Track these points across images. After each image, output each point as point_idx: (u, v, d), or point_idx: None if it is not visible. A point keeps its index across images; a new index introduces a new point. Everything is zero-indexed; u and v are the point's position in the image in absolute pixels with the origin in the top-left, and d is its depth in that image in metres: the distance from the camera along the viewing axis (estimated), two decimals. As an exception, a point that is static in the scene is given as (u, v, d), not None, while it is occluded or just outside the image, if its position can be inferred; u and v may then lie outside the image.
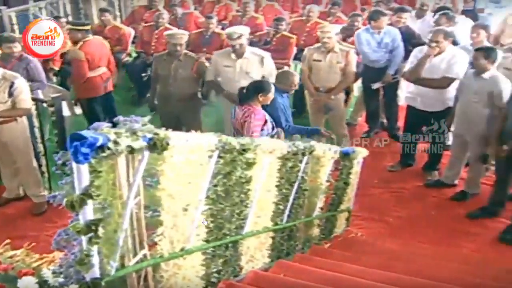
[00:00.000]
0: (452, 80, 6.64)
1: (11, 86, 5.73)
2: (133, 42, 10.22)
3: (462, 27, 8.25)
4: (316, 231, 5.61)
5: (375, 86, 7.93)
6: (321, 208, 5.58)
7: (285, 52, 9.32)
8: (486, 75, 6.15)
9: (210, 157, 3.31)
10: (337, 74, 7.45)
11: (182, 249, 3.30)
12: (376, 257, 5.22)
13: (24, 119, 6.20)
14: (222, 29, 9.89)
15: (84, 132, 2.30)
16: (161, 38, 9.20)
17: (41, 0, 10.92)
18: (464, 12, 9.51)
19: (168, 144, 2.77)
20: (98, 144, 2.32)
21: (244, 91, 5.53)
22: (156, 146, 2.69)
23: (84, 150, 2.26)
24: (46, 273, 2.75)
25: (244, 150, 3.62)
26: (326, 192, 5.52)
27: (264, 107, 5.60)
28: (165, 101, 7.44)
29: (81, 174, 2.34)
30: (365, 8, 11.45)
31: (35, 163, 6.47)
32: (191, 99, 7.38)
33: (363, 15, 9.78)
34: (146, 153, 2.69)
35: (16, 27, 9.43)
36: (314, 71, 7.56)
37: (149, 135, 2.65)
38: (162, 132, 2.78)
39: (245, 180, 3.78)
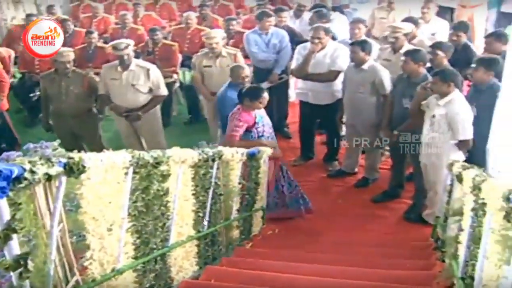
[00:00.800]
0: (337, 72, 6.80)
1: None
2: (15, 63, 9.64)
3: (338, 23, 8.45)
4: (236, 233, 5.55)
5: (263, 86, 7.94)
6: (238, 210, 5.52)
7: (171, 60, 9.15)
8: (365, 66, 6.37)
9: (126, 174, 3.18)
10: (227, 76, 7.33)
11: (113, 270, 3.16)
12: (295, 250, 5.25)
13: None
14: (105, 42, 9.69)
15: (-1, 168, 2.14)
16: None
17: None
18: (333, 9, 9.69)
19: (84, 167, 2.64)
20: (14, 175, 2.17)
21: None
22: (72, 170, 2.56)
23: (1, 183, 2.10)
24: None
25: (157, 163, 3.52)
26: (239, 194, 5.47)
27: (220, 104, 6.08)
28: (59, 120, 7.17)
29: (1, 209, 2.17)
30: (239, 12, 11.48)
31: None
32: (87, 115, 7.16)
33: (238, 19, 9.85)
34: (64, 178, 2.55)
35: None
36: (206, 77, 7.44)
37: (64, 160, 2.51)
38: (76, 155, 2.65)
39: (163, 192, 3.67)
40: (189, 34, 9.81)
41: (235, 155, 5.13)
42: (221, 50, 7.36)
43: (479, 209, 3.23)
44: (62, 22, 10.23)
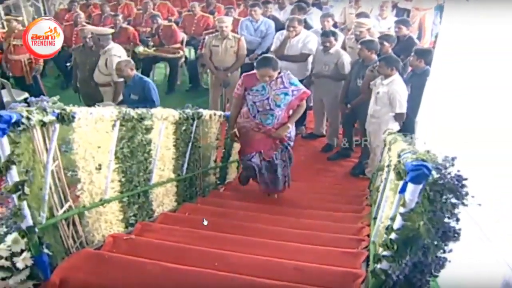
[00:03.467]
0: (307, 55, 7.03)
1: None
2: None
3: (315, 16, 8.59)
4: (213, 179, 5.76)
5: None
6: (215, 161, 5.73)
7: (173, 38, 9.43)
8: (332, 51, 6.56)
9: (114, 125, 3.38)
10: (231, 56, 7.57)
11: (100, 200, 3.37)
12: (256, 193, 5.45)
13: None
14: (128, 24, 9.94)
15: (1, 113, 2.36)
16: (121, 36, 9.03)
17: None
18: (313, 4, 9.82)
19: (74, 117, 2.85)
20: (13, 120, 2.39)
21: None
22: (64, 119, 2.77)
23: (2, 125, 2.33)
24: None
25: (141, 118, 3.71)
26: (217, 148, 5.67)
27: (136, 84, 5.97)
28: (84, 84, 7.32)
29: (2, 146, 2.39)
30: (240, 3, 11.58)
31: None
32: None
33: (235, 8, 10.02)
34: (57, 125, 2.76)
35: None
36: (213, 54, 7.63)
37: (57, 111, 2.73)
38: (68, 108, 2.86)
39: (146, 142, 3.85)
40: (195, 19, 10.04)
41: (213, 116, 5.34)
42: (228, 33, 7.52)
43: (390, 165, 3.44)
44: (101, 6, 10.57)
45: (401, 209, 1.81)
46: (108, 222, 3.51)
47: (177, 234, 3.67)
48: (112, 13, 10.11)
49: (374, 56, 6.15)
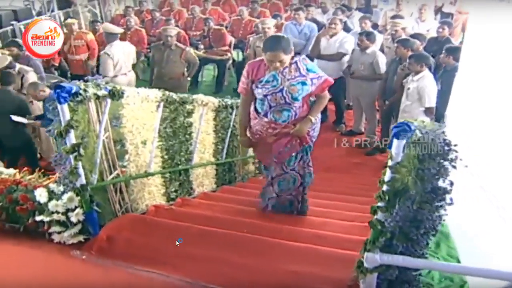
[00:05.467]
0: (343, 54, 7.24)
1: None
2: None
3: (356, 19, 8.84)
4: (252, 168, 6.06)
5: None
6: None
7: (222, 41, 9.82)
8: (368, 51, 6.79)
9: (158, 106, 3.74)
10: None
11: (145, 172, 3.73)
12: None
13: None
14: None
15: (63, 84, 2.75)
16: (133, 36, 9.55)
17: (42, 15, 11.17)
18: (358, 9, 10.08)
19: (123, 93, 3.23)
20: (73, 91, 2.78)
21: None
22: (114, 95, 3.15)
23: (64, 94, 2.71)
24: (52, 186, 3.11)
25: (183, 102, 4.07)
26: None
27: None
28: (159, 80, 7.55)
29: (64, 112, 2.78)
30: (287, 9, 11.91)
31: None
32: (179, 78, 7.56)
33: (281, 14, 10.36)
34: (109, 100, 3.14)
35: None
36: (257, 55, 7.83)
37: (109, 87, 3.11)
38: (118, 86, 3.24)
39: (187, 124, 4.22)
40: (243, 23, 10.46)
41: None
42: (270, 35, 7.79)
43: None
44: (151, 12, 11.08)
45: (390, 162, 2.07)
46: (151, 194, 3.87)
47: (214, 209, 3.97)
48: (164, 17, 10.61)
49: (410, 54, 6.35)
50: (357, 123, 7.80)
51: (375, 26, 8.57)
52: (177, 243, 3.00)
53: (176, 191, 4.24)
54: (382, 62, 6.81)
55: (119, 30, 7.59)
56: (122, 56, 7.09)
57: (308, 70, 3.59)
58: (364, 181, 6.17)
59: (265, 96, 3.59)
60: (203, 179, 4.75)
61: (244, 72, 3.71)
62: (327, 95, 3.80)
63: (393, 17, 8.18)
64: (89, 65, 8.67)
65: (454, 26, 8.39)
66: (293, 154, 3.76)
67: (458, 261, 3.36)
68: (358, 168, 6.90)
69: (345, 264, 2.53)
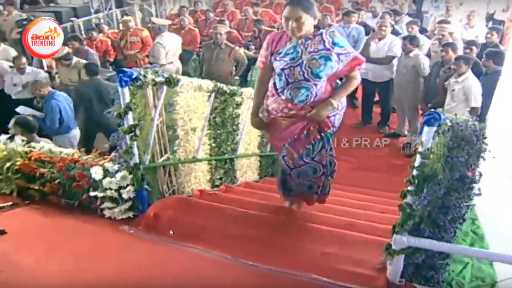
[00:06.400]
0: (392, 58, 7.34)
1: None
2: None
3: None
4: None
5: None
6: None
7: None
8: (411, 54, 6.89)
9: (209, 96, 3.97)
10: None
11: (193, 157, 3.97)
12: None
13: None
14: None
15: (125, 69, 3.02)
16: (186, 35, 9.86)
17: (99, 13, 11.71)
18: (411, 14, 10.15)
19: (178, 81, 3.46)
20: (134, 76, 3.04)
21: None
22: (170, 82, 3.39)
23: (125, 78, 2.97)
24: (107, 165, 3.37)
25: (233, 94, 4.28)
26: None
27: None
28: (208, 77, 7.53)
29: (124, 95, 3.04)
30: (339, 13, 12.03)
31: None
32: (227, 76, 7.71)
33: (332, 16, 10.50)
34: (164, 87, 3.38)
35: (83, 31, 10.11)
36: None
37: (166, 75, 3.36)
38: (174, 75, 3.48)
39: (235, 116, 4.43)
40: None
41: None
42: None
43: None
44: (206, 12, 11.47)
45: (420, 148, 2.22)
46: (197, 179, 4.11)
47: (255, 196, 4.16)
48: (218, 18, 10.90)
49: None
50: (400, 126, 7.90)
51: (424, 31, 8.63)
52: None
53: (220, 178, 4.45)
54: (425, 64, 6.93)
55: (167, 22, 8.05)
56: (172, 46, 7.51)
57: (334, 43, 3.11)
58: (401, 181, 6.24)
59: (283, 70, 3.18)
60: (247, 170, 4.96)
61: (264, 44, 3.35)
62: (357, 76, 3.29)
63: (440, 22, 8.25)
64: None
65: (505, 34, 8.35)
66: (312, 142, 3.29)
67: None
68: (398, 169, 6.97)
69: (374, 249, 2.70)
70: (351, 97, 8.69)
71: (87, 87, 6.07)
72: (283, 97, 3.22)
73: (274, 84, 3.28)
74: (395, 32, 7.99)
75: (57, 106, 5.80)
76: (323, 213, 3.61)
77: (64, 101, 5.96)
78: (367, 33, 8.30)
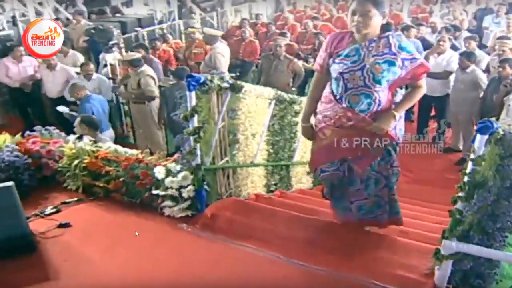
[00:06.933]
0: (450, 73, 7.35)
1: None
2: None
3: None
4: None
5: None
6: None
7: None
8: (468, 70, 6.88)
9: (270, 103, 4.14)
10: None
11: (251, 162, 4.14)
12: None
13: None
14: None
15: (194, 74, 3.24)
16: (247, 47, 10.22)
17: (163, 23, 12.26)
18: (471, 30, 10.07)
19: (242, 87, 3.65)
20: (201, 81, 3.25)
21: None
22: (234, 88, 3.59)
23: (193, 83, 3.19)
24: (170, 165, 3.57)
25: (293, 102, 4.44)
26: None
27: None
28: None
29: (191, 98, 3.25)
30: (397, 28, 12.03)
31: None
32: (284, 87, 7.75)
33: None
34: (228, 93, 3.58)
35: (146, 42, 10.50)
36: None
37: (231, 81, 3.56)
38: (239, 82, 3.68)
39: (293, 124, 4.57)
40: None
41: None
42: None
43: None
44: (267, 25, 11.91)
45: (472, 155, 2.31)
46: (253, 183, 4.27)
47: (308, 202, 4.29)
48: (278, 30, 11.11)
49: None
50: (455, 141, 7.85)
51: (483, 46, 8.55)
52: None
53: (276, 184, 4.60)
54: (483, 79, 6.90)
55: (219, 32, 8.43)
56: (227, 55, 7.92)
57: (401, 48, 2.87)
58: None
59: (341, 74, 2.92)
60: (302, 177, 5.09)
61: (324, 45, 3.09)
62: (423, 85, 3.05)
63: (501, 37, 8.15)
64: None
65: None
66: (375, 160, 3.05)
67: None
68: (452, 183, 6.91)
69: (425, 256, 2.79)
70: (408, 111, 8.69)
71: (174, 90, 6.40)
72: (343, 105, 2.95)
73: (332, 90, 3.02)
74: (454, 48, 7.97)
75: (90, 109, 6.21)
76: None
77: (98, 104, 6.43)
78: (426, 48, 8.31)
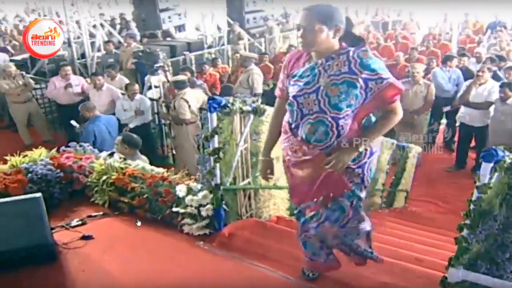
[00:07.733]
0: (490, 103, 7.22)
1: None
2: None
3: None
4: (378, 200, 6.24)
5: (446, 109, 8.38)
6: (383, 185, 6.21)
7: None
8: (509, 101, 6.75)
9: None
10: (420, 100, 7.82)
11: (274, 184, 4.16)
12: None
13: None
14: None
15: (216, 97, 3.34)
16: None
17: (213, 48, 12.72)
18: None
19: (265, 111, 3.72)
20: (222, 104, 3.34)
21: None
22: (257, 112, 3.66)
23: (214, 105, 3.29)
24: (192, 185, 3.65)
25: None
26: (386, 173, 6.15)
27: None
28: None
29: (212, 120, 3.34)
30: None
31: None
32: None
33: (438, 60, 10.45)
34: (251, 116, 3.65)
35: (193, 66, 10.81)
36: (403, 97, 7.83)
37: (254, 105, 3.64)
38: (262, 105, 3.75)
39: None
40: (398, 68, 10.59)
41: (384, 143, 5.88)
42: (419, 79, 7.90)
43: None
44: None
45: (477, 183, 2.30)
46: (276, 205, 4.29)
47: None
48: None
49: None
50: (494, 172, 7.68)
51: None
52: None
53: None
54: None
55: (255, 55, 8.97)
56: (262, 76, 8.32)
57: (363, 66, 2.37)
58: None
59: (295, 98, 2.50)
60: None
61: (284, 62, 2.70)
62: (396, 111, 2.53)
63: None
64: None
65: None
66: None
67: None
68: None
69: (434, 283, 2.76)
70: (449, 140, 8.58)
71: None
72: (298, 137, 2.55)
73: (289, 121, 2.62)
74: (498, 78, 7.84)
75: (93, 130, 6.29)
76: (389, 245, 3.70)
77: (104, 124, 6.50)
78: (469, 78, 8.21)
